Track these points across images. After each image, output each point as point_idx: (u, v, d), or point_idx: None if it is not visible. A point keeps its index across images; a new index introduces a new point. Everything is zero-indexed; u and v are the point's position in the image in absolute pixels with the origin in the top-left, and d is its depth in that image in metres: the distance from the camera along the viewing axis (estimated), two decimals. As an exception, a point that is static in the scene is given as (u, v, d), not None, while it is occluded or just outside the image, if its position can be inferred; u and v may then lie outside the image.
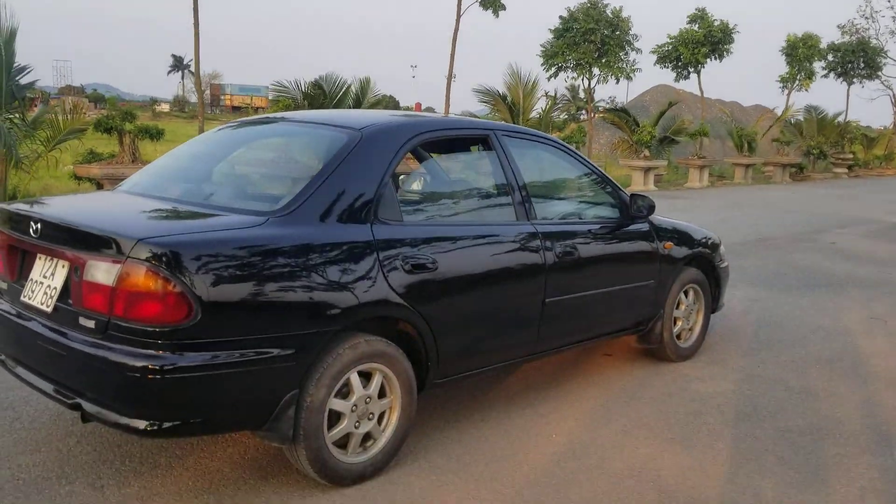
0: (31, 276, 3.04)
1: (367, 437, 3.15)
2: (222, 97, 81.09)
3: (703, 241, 5.02)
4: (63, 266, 2.88)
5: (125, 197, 3.42)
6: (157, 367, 2.55)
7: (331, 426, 2.99)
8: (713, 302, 5.16)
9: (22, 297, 3.04)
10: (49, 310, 2.88)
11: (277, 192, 3.22)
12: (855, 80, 30.90)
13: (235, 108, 75.70)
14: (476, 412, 3.92)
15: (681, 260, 4.73)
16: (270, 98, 14.01)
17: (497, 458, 3.39)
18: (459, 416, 3.86)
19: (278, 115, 4.34)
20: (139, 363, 2.56)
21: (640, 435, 3.71)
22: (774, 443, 3.67)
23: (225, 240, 2.74)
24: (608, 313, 4.34)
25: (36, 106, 12.16)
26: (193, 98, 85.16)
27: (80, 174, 10.76)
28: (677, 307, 4.80)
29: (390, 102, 14.14)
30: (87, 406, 2.71)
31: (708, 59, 23.77)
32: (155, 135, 10.73)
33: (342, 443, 3.06)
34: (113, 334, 2.63)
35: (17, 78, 10.32)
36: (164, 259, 2.55)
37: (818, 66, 29.03)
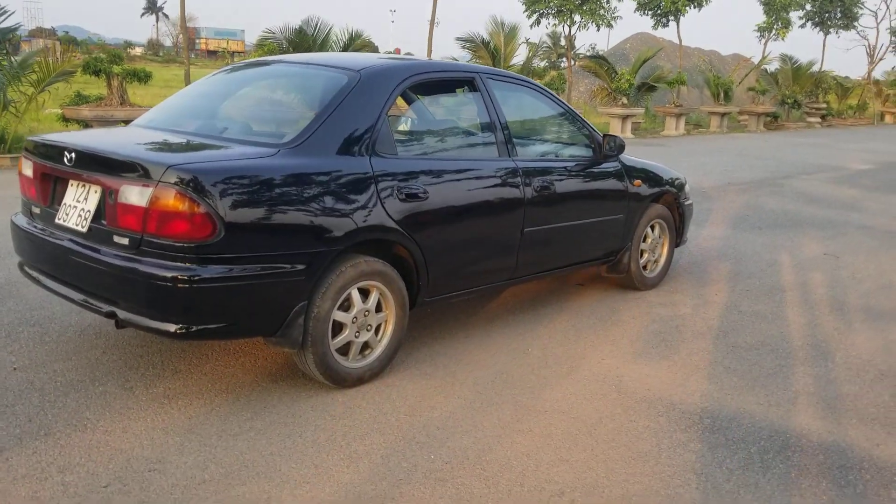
0: (65, 200, 3.39)
1: (366, 345, 3.57)
2: (198, 41, 79.62)
3: (670, 180, 5.43)
4: (96, 191, 3.23)
5: (146, 131, 3.76)
6: (186, 277, 2.94)
7: (334, 335, 3.41)
8: (677, 236, 5.61)
9: (56, 220, 3.40)
10: (84, 230, 3.24)
11: (285, 127, 3.59)
12: (831, 30, 31.17)
13: (211, 53, 74.40)
14: (460, 331, 4.35)
15: (648, 197, 5.14)
16: (255, 43, 14.06)
17: (479, 368, 3.83)
18: (445, 334, 4.29)
19: (277, 57, 4.66)
20: (170, 273, 2.94)
21: (606, 349, 4.17)
22: (724, 356, 4.15)
23: (243, 167, 3.11)
24: (580, 244, 4.76)
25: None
26: (168, 42, 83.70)
27: (69, 116, 10.93)
28: (644, 240, 5.24)
29: (369, 47, 14.26)
30: (122, 314, 3.10)
31: (687, 8, 23.93)
32: (143, 77, 10.89)
33: (343, 350, 3.48)
34: (145, 249, 3.01)
35: (-1, 21, 10.39)
36: (191, 183, 2.92)
37: (795, 15, 29.26)
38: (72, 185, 3.37)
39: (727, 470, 2.93)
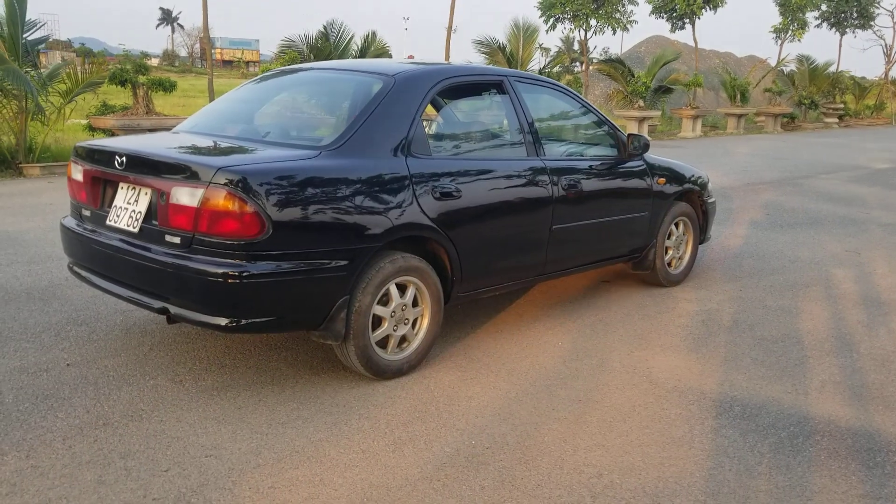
0: (115, 203, 3.55)
1: (403, 339, 3.71)
2: (213, 51, 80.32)
3: (693, 178, 5.54)
4: (146, 193, 3.39)
5: (191, 136, 3.91)
6: (236, 273, 3.08)
7: (374, 328, 3.54)
8: (701, 234, 5.70)
9: (107, 222, 3.55)
10: (136, 230, 3.39)
11: (325, 129, 3.74)
12: (847, 30, 31.08)
13: (226, 63, 75.12)
14: (491, 326, 4.48)
15: (672, 195, 5.25)
16: (276, 52, 14.26)
17: (512, 359, 3.95)
18: (477, 329, 4.42)
19: (310, 64, 4.81)
20: (221, 270, 3.09)
21: (635, 343, 4.28)
22: (751, 348, 4.24)
23: (289, 168, 3.25)
24: (607, 241, 4.88)
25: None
26: (183, 52, 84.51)
27: (96, 126, 11.15)
28: (668, 237, 5.34)
29: (385, 54, 14.45)
30: (174, 309, 3.25)
31: (703, 10, 23.98)
32: (168, 87, 11.10)
33: (382, 343, 3.61)
34: (197, 248, 3.16)
35: (28, 33, 10.63)
36: (240, 184, 3.06)
37: (811, 16, 29.22)
38: (122, 187, 3.53)
39: (759, 453, 3.03)
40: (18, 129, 10.33)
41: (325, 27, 13.12)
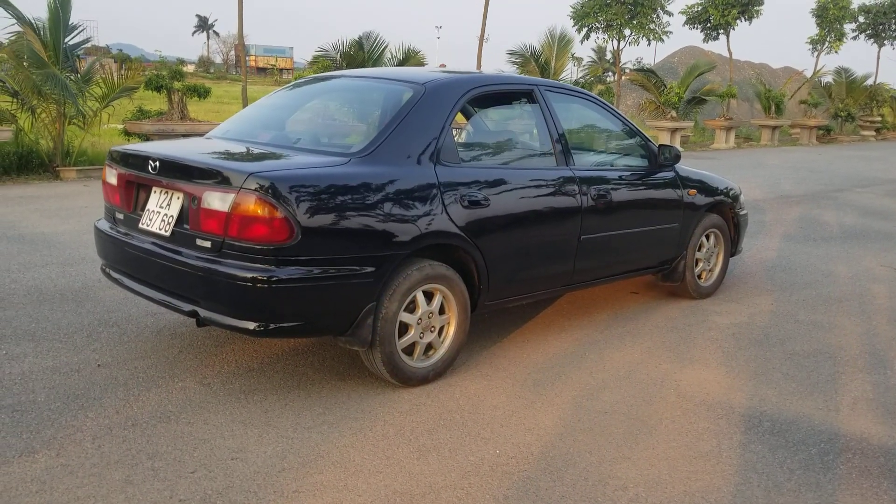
0: (148, 206, 3.60)
1: (429, 346, 3.71)
2: (247, 58, 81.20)
3: (725, 190, 5.48)
4: (178, 197, 3.43)
5: (223, 142, 3.96)
6: (265, 278, 3.11)
7: (400, 335, 3.55)
8: (732, 246, 5.64)
9: (140, 225, 3.61)
10: (167, 234, 3.44)
11: (356, 136, 3.76)
12: (886, 41, 30.61)
13: (260, 70, 75.91)
14: (518, 335, 4.46)
15: (703, 206, 5.20)
16: (310, 60, 14.42)
17: (538, 370, 3.93)
18: (503, 338, 4.40)
19: (341, 72, 4.85)
20: (250, 274, 3.12)
21: (664, 355, 4.24)
22: (781, 363, 4.18)
23: (318, 175, 3.28)
24: (636, 251, 4.84)
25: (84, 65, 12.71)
26: (218, 59, 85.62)
27: (131, 131, 11.34)
28: (699, 249, 5.29)
29: (417, 62, 14.53)
30: (203, 312, 3.29)
31: (738, 21, 23.78)
32: (202, 93, 11.26)
33: (409, 350, 3.62)
34: (227, 252, 3.19)
35: (69, 38, 10.80)
36: (270, 190, 3.09)
37: (849, 27, 28.85)
38: (155, 191, 3.58)
39: (788, 470, 2.98)
40: (56, 133, 10.53)
41: (360, 37, 13.24)
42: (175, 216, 3.43)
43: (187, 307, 3.35)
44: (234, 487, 2.70)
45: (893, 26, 30.11)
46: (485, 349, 4.20)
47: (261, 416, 3.25)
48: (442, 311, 3.73)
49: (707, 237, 5.37)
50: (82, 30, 11.30)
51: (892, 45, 30.63)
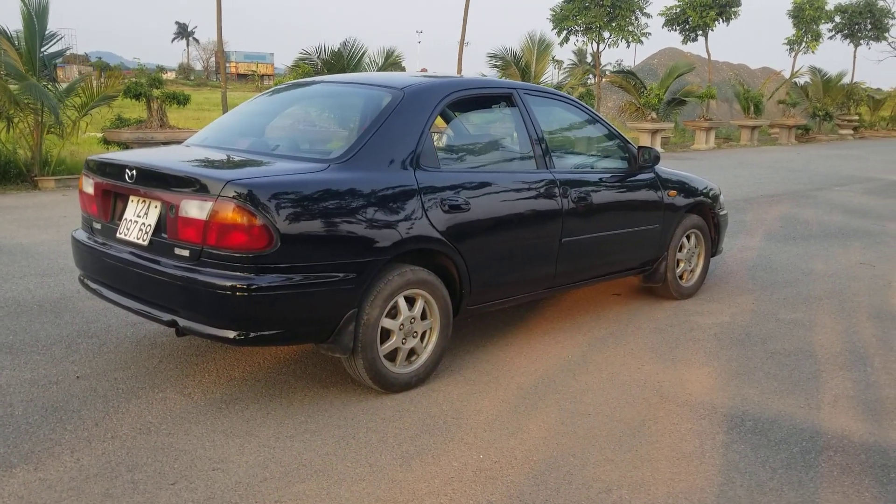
0: (125, 216, 3.56)
1: (412, 352, 3.69)
2: (228, 65, 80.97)
3: (705, 190, 5.51)
4: (156, 206, 3.40)
5: (201, 149, 3.93)
6: (244, 286, 3.08)
7: (382, 341, 3.53)
8: (713, 246, 5.67)
9: (118, 235, 3.57)
10: (145, 243, 3.40)
11: (334, 142, 3.75)
12: (862, 41, 30.92)
13: (241, 76, 75.65)
14: (500, 339, 4.46)
15: (683, 207, 5.22)
16: (291, 65, 14.40)
17: (521, 374, 3.93)
18: (486, 342, 4.40)
19: (320, 78, 4.83)
20: (229, 283, 3.09)
21: (645, 356, 4.25)
22: (763, 362, 4.20)
23: (297, 181, 3.26)
24: (617, 253, 4.85)
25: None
26: (199, 66, 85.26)
27: (111, 139, 11.24)
28: (680, 250, 5.31)
29: (398, 66, 14.50)
30: (182, 322, 3.26)
31: (716, 22, 23.94)
32: (182, 101, 11.19)
33: (391, 356, 3.60)
34: (205, 260, 3.16)
35: (47, 47, 10.71)
36: (249, 197, 3.07)
37: (825, 27, 29.12)
38: (132, 200, 3.55)
39: (770, 469, 2.99)
40: (34, 143, 10.43)
41: (340, 46, 13.22)
42: (153, 225, 3.40)
43: (167, 317, 3.31)
44: (216, 498, 2.67)
45: (869, 26, 30.43)
46: (468, 353, 4.19)
47: (242, 426, 3.23)
48: (424, 316, 3.72)
49: (688, 238, 5.39)
50: (60, 38, 11.22)
51: (867, 44, 30.95)
